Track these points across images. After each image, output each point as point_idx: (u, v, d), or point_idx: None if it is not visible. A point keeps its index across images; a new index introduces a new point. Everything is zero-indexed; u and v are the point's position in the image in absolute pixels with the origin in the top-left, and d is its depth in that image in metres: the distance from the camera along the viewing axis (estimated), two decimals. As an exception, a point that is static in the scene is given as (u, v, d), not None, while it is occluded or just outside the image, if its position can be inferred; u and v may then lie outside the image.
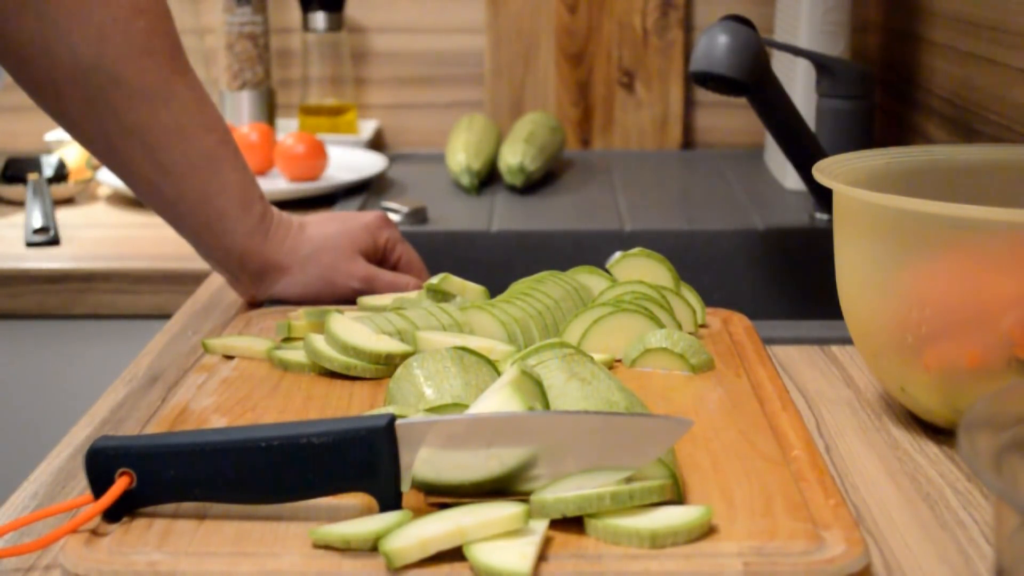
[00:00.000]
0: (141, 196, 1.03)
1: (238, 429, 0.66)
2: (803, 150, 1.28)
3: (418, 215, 1.43)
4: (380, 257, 1.10)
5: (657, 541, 0.62)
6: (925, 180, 0.88)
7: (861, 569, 0.61)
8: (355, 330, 0.88)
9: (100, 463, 0.65)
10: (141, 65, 0.96)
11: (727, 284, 1.38)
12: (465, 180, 1.56)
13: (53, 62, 0.94)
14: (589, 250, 1.37)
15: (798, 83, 1.53)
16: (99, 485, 0.65)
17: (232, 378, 0.87)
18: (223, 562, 0.61)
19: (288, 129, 1.80)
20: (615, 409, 0.73)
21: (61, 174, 1.60)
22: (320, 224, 1.08)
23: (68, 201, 1.60)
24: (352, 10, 1.84)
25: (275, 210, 1.06)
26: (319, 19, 1.77)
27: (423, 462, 0.65)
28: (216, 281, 1.16)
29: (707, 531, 0.63)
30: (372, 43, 1.86)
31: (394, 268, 1.11)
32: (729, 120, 1.85)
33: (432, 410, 0.73)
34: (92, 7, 0.94)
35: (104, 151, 0.99)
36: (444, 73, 1.87)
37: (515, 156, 1.55)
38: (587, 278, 0.98)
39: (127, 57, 0.95)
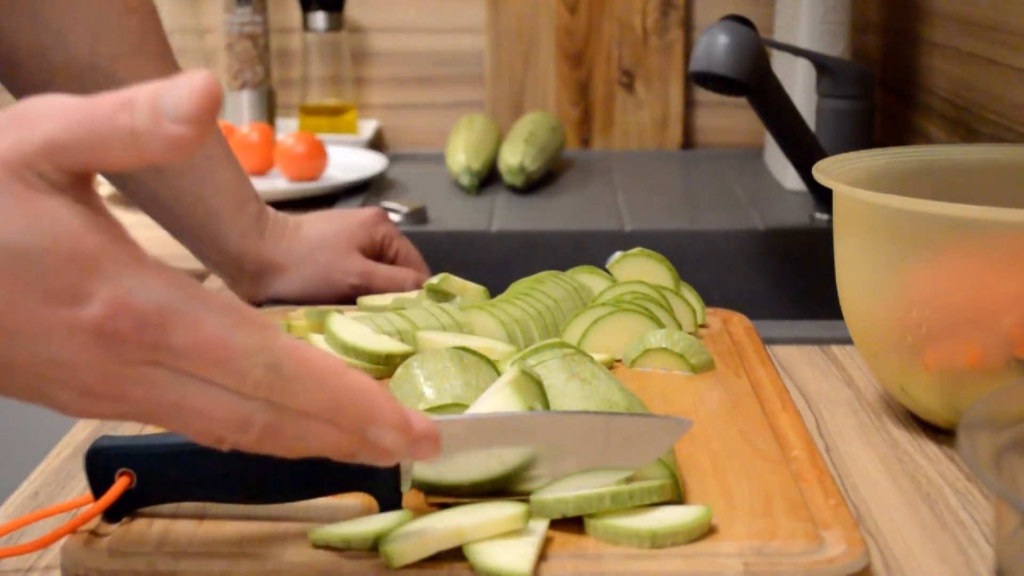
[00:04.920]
0: (137, 201, 1.03)
1: (238, 429, 0.66)
2: (803, 150, 1.28)
3: (418, 215, 1.43)
4: (378, 253, 1.10)
5: (657, 541, 0.62)
6: (925, 180, 0.88)
7: (861, 569, 0.61)
8: (355, 330, 0.88)
9: (100, 463, 0.65)
10: (136, 63, 0.96)
11: (727, 284, 1.38)
12: (465, 180, 1.56)
13: (47, 63, 0.94)
14: (589, 250, 1.37)
15: (798, 83, 1.53)
16: (99, 485, 0.65)
17: (232, 378, 0.86)
18: (223, 562, 0.61)
19: (288, 129, 1.80)
20: (615, 409, 0.73)
21: (61, 174, 1.60)
22: (316, 222, 1.08)
23: (68, 201, 1.60)
24: (352, 10, 1.84)
25: (271, 210, 1.06)
26: (319, 19, 1.77)
27: (423, 462, 0.65)
28: (216, 281, 1.16)
29: (707, 531, 0.63)
30: (372, 43, 1.86)
31: (392, 263, 1.10)
32: (729, 120, 1.85)
33: (432, 410, 0.73)
34: (85, 6, 0.94)
35: None
36: (444, 73, 1.87)
37: (515, 156, 1.55)
38: (587, 278, 0.98)
39: (122, 56, 0.95)
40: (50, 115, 0.50)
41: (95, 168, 0.51)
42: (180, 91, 0.49)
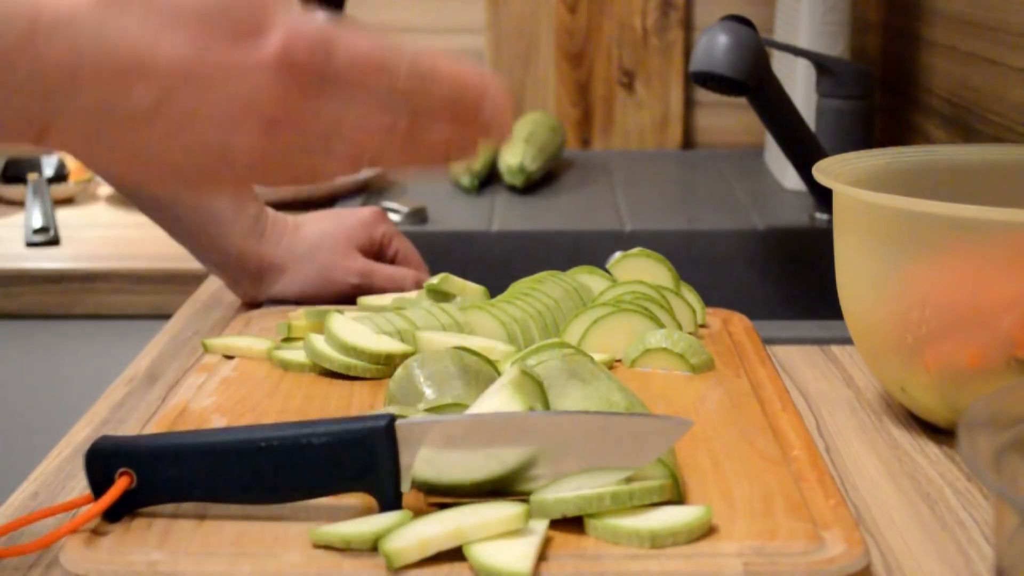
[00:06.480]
0: (137, 203, 1.03)
1: (238, 429, 0.66)
2: (803, 150, 1.28)
3: (418, 215, 1.43)
4: (377, 252, 1.10)
5: (657, 541, 0.62)
6: (925, 180, 0.88)
7: (861, 569, 0.61)
8: (355, 330, 0.88)
9: (100, 463, 0.65)
10: None
11: (727, 284, 1.38)
12: (465, 180, 1.56)
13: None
14: (589, 250, 1.37)
15: (798, 83, 1.53)
16: (99, 485, 0.65)
17: (232, 378, 0.87)
18: (223, 562, 0.61)
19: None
20: (615, 409, 0.73)
21: (61, 174, 1.60)
22: (315, 222, 1.08)
23: (68, 201, 1.60)
24: (352, 10, 1.84)
25: (270, 210, 1.06)
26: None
27: (423, 462, 0.65)
28: (216, 281, 1.16)
29: (707, 531, 0.63)
30: (372, 43, 1.86)
31: (391, 262, 1.10)
32: (729, 120, 1.85)
33: (432, 410, 0.73)
34: None
35: None
36: (444, 73, 1.87)
37: (515, 156, 1.55)
38: (587, 278, 0.98)
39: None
40: None
41: None
42: None
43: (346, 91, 0.57)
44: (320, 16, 0.57)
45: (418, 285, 1.07)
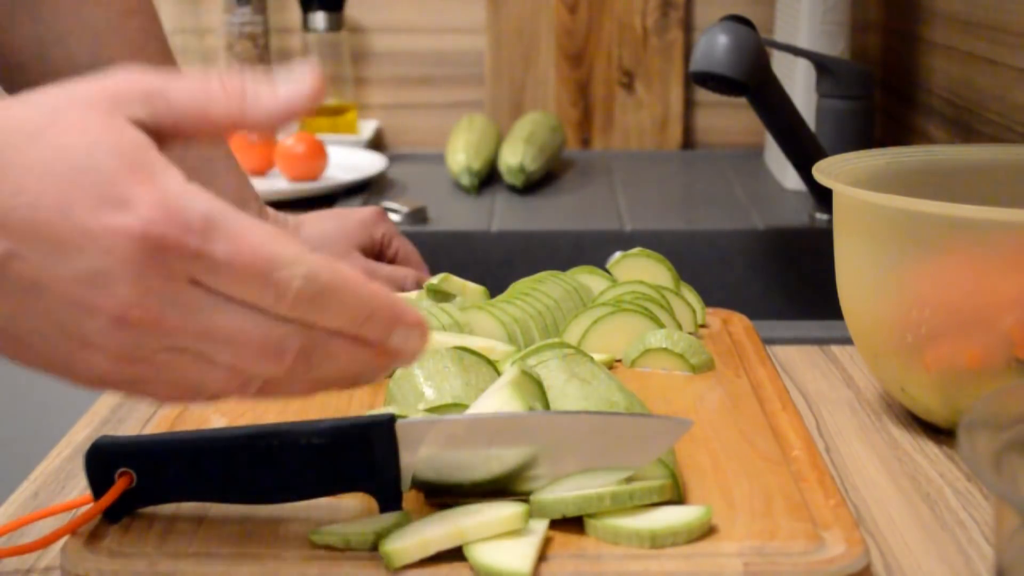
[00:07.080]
0: None
1: (238, 429, 0.66)
2: (803, 150, 1.28)
3: (418, 215, 1.43)
4: (377, 252, 1.10)
5: (657, 541, 0.62)
6: (925, 180, 0.88)
7: (861, 569, 0.61)
8: (355, 330, 0.88)
9: (100, 463, 0.65)
10: (137, 66, 0.96)
11: (727, 284, 1.38)
12: (465, 180, 1.56)
13: (48, 67, 0.94)
14: (589, 250, 1.37)
15: (798, 83, 1.53)
16: (99, 485, 0.65)
17: (232, 378, 0.87)
18: (223, 562, 0.61)
19: (288, 129, 1.80)
20: (615, 409, 0.73)
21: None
22: (316, 222, 1.08)
23: (68, 201, 1.60)
24: (352, 10, 1.84)
25: (270, 210, 1.06)
26: (319, 19, 1.77)
27: (423, 462, 0.65)
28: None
29: (707, 531, 0.63)
30: (372, 43, 1.86)
31: (391, 262, 1.11)
32: (729, 120, 1.85)
33: (432, 410, 0.73)
34: (86, 8, 0.94)
35: None
36: (444, 73, 1.87)
37: (515, 156, 1.55)
38: (587, 278, 0.98)
39: (123, 58, 0.95)
40: (174, 79, 0.54)
41: (184, 124, 0.53)
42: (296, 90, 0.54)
43: (220, 298, 0.50)
44: (211, 198, 0.50)
45: (418, 285, 1.07)
